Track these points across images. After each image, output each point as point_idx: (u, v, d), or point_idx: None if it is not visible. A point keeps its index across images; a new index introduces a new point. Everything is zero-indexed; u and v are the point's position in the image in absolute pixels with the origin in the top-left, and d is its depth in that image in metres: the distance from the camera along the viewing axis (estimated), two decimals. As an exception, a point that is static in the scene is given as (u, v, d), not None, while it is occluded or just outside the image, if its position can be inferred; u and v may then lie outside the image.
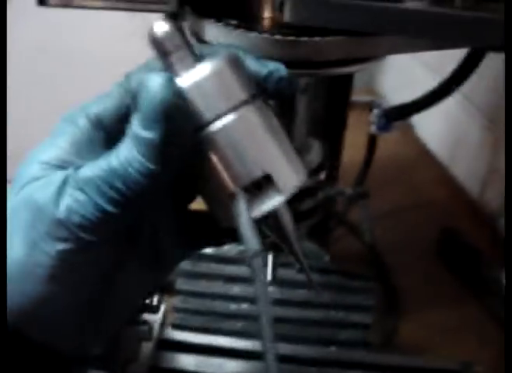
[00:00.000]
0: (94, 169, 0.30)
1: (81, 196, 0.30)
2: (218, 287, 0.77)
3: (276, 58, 0.36)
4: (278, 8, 0.36)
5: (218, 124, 0.30)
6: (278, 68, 0.33)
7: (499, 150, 1.05)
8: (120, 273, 0.35)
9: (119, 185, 0.29)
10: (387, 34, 0.36)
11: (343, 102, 0.71)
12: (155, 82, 0.28)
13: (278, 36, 0.35)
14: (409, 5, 0.35)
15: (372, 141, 0.83)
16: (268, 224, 0.33)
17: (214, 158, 0.30)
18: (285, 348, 0.69)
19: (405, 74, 1.34)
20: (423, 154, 1.27)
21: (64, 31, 0.93)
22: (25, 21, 0.84)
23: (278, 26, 0.36)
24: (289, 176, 0.32)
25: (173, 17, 0.43)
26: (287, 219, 0.33)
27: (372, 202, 0.97)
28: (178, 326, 0.74)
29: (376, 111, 0.70)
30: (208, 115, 0.30)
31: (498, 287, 0.89)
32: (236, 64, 0.31)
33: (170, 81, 0.29)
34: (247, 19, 0.37)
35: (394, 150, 1.22)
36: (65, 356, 0.35)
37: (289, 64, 0.37)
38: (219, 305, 0.76)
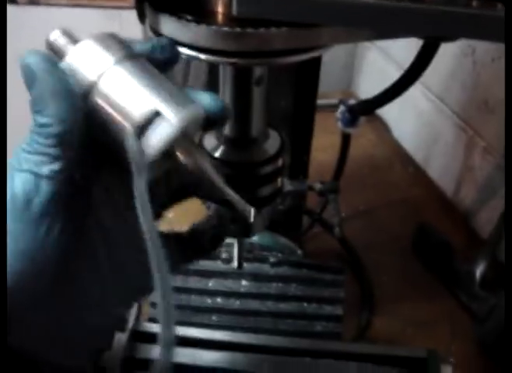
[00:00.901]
0: (24, 146, 0.34)
1: (24, 174, 0.33)
2: (193, 282, 0.79)
3: (226, 49, 0.39)
4: (228, 2, 0.38)
5: (102, 80, 0.35)
6: (161, 40, 0.39)
7: (472, 149, 1.08)
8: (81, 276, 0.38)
9: (45, 141, 0.33)
10: (329, 25, 0.38)
11: (310, 99, 0.73)
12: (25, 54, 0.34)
13: (226, 28, 0.38)
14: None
15: (345, 139, 0.85)
16: (188, 171, 0.37)
17: (106, 107, 0.35)
18: (258, 339, 0.71)
19: (382, 78, 1.36)
20: (399, 154, 1.29)
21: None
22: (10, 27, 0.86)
23: (229, 20, 0.39)
24: (176, 110, 0.35)
25: (140, 14, 0.46)
26: (205, 163, 0.37)
27: (348, 201, 0.99)
28: (154, 320, 0.75)
29: (341, 107, 0.72)
30: (91, 77, 0.35)
31: (470, 281, 0.92)
32: (102, 37, 0.36)
33: (35, 51, 0.34)
34: (201, 14, 0.40)
35: (369, 150, 1.25)
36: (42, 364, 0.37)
37: (238, 55, 0.39)
38: (194, 300, 0.78)
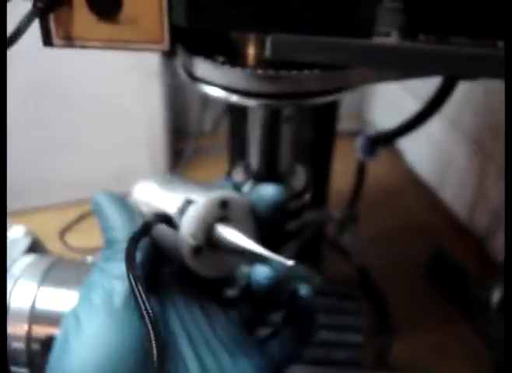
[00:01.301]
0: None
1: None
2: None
3: (258, 91, 0.40)
4: (260, 45, 0.39)
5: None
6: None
7: (486, 173, 1.08)
8: None
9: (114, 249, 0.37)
10: (358, 67, 0.39)
11: (330, 130, 0.74)
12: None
13: (259, 71, 0.39)
14: (378, 40, 0.38)
15: (361, 167, 0.86)
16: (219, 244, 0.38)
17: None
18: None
19: (393, 103, 1.38)
20: (412, 179, 1.30)
21: (61, 70, 0.96)
22: (23, 61, 0.87)
23: (262, 62, 0.40)
24: (202, 195, 0.38)
25: (168, 55, 0.47)
26: (228, 233, 0.37)
27: (361, 227, 0.99)
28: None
29: (360, 137, 0.73)
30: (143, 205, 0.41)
31: (486, 306, 0.92)
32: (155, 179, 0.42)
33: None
34: (233, 56, 0.41)
35: (382, 175, 1.25)
36: None
37: (270, 96, 0.40)
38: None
